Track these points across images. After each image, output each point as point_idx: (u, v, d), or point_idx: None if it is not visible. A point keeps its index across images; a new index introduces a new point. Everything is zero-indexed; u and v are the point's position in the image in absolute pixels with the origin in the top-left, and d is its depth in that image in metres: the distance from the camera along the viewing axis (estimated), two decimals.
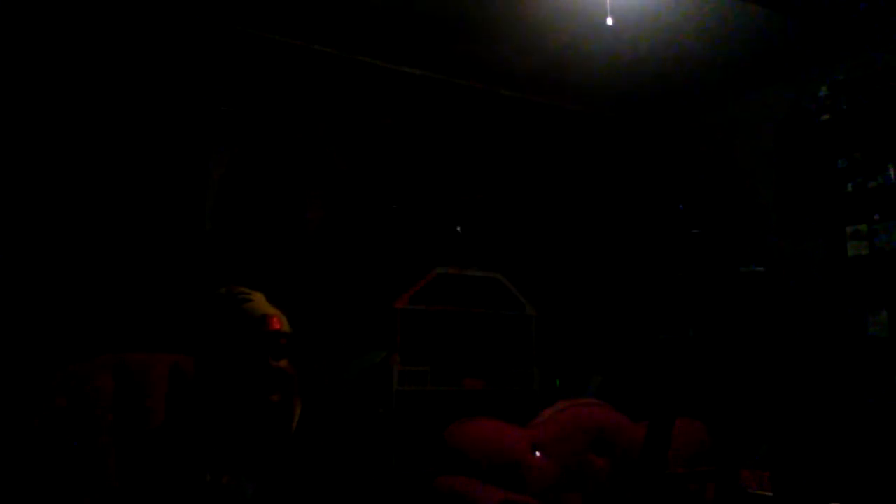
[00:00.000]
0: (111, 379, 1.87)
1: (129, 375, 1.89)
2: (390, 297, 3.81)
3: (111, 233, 3.18)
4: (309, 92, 3.86)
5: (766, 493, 3.15)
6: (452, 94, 4.24)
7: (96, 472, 1.74)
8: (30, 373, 1.86)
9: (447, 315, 3.96)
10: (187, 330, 1.64)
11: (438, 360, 3.88)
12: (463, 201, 4.27)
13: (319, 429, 3.00)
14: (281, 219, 3.72)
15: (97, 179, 3.19)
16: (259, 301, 1.58)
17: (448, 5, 3.34)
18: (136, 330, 3.01)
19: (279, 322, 1.58)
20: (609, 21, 2.85)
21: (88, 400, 1.81)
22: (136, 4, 3.28)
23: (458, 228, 4.19)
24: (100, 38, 3.25)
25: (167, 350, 2.01)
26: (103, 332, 2.95)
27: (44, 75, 3.10)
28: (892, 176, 3.30)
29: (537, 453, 2.80)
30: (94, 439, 1.77)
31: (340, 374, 3.27)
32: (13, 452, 1.70)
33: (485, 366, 4.05)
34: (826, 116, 3.57)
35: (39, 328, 2.87)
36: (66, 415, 1.76)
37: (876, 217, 3.33)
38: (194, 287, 3.21)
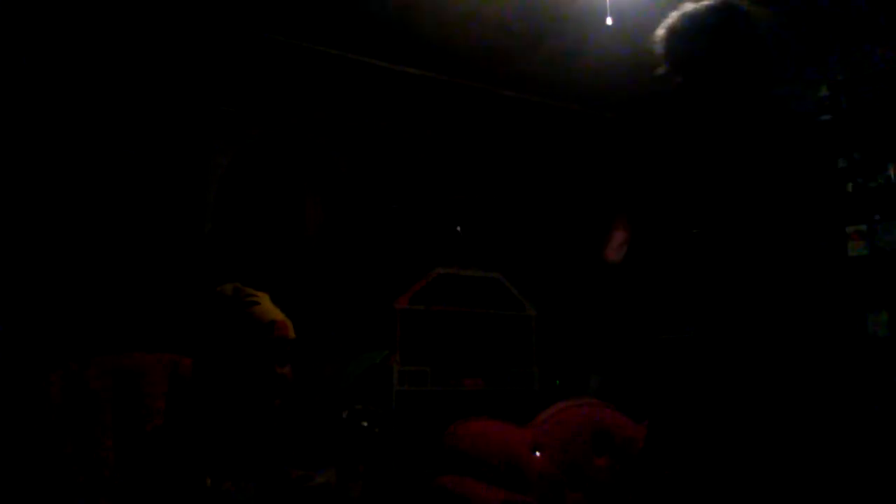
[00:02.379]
0: (111, 379, 1.87)
1: (129, 375, 1.89)
2: (390, 298, 3.81)
3: (111, 233, 3.18)
4: (309, 92, 3.86)
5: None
6: (452, 94, 4.24)
7: (96, 471, 1.74)
8: (29, 373, 1.86)
9: (447, 315, 3.96)
10: (190, 331, 1.64)
11: (438, 360, 3.88)
12: (463, 201, 4.27)
13: (319, 429, 2.99)
14: (281, 219, 3.72)
15: (97, 179, 3.19)
16: (266, 304, 1.58)
17: (448, 5, 3.34)
18: (135, 330, 3.01)
19: (287, 329, 1.58)
20: (609, 21, 2.85)
21: (88, 400, 1.81)
22: (137, 4, 3.28)
23: (458, 228, 4.19)
24: (100, 38, 3.24)
25: (167, 350, 2.01)
26: (103, 332, 2.95)
27: (44, 75, 3.10)
28: (893, 176, 3.30)
29: (537, 453, 2.80)
30: (93, 439, 1.77)
31: (340, 375, 3.27)
32: (13, 453, 1.70)
33: (485, 366, 4.05)
34: (826, 116, 3.57)
35: (39, 328, 2.87)
36: (66, 415, 1.76)
37: (876, 217, 3.32)
38: (194, 288, 3.21)
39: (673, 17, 1.69)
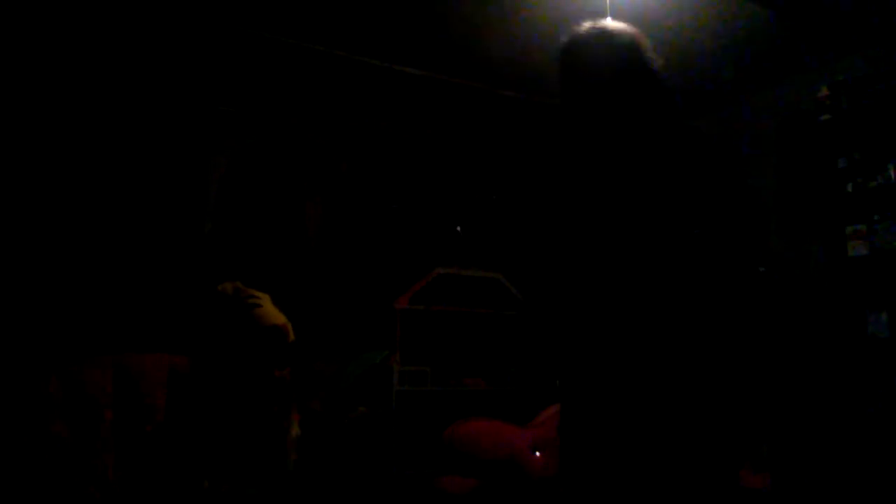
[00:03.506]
0: (111, 379, 1.87)
1: (129, 375, 1.89)
2: (390, 297, 3.81)
3: (111, 233, 3.18)
4: (309, 92, 3.86)
5: (766, 492, 3.14)
6: (452, 94, 4.24)
7: (96, 471, 1.74)
8: (30, 373, 1.86)
9: (447, 315, 3.96)
10: (189, 331, 1.63)
11: (438, 360, 3.88)
12: (463, 201, 4.27)
13: (320, 430, 3.00)
14: (281, 219, 3.72)
15: (97, 180, 3.19)
16: (267, 306, 1.57)
17: (448, 5, 3.34)
18: (135, 330, 3.01)
19: (287, 333, 1.57)
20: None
21: (88, 400, 1.81)
22: (137, 5, 3.28)
23: (458, 228, 4.19)
24: (100, 39, 3.24)
25: (166, 350, 2.01)
26: (103, 333, 2.95)
27: (45, 76, 3.10)
28: (892, 176, 3.30)
29: (537, 453, 2.80)
30: (94, 439, 1.77)
31: (340, 375, 3.27)
32: (13, 453, 1.70)
33: (485, 366, 4.05)
34: (826, 116, 3.57)
35: (40, 328, 2.87)
36: (66, 415, 1.76)
37: (876, 217, 3.32)
38: (194, 288, 3.21)
39: (577, 34, 1.68)
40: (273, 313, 1.58)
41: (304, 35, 3.65)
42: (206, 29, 3.49)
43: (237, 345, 1.51)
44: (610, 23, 1.67)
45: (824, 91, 3.59)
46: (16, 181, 2.99)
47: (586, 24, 1.68)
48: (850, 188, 3.44)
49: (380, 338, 3.70)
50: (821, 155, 3.64)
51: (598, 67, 1.62)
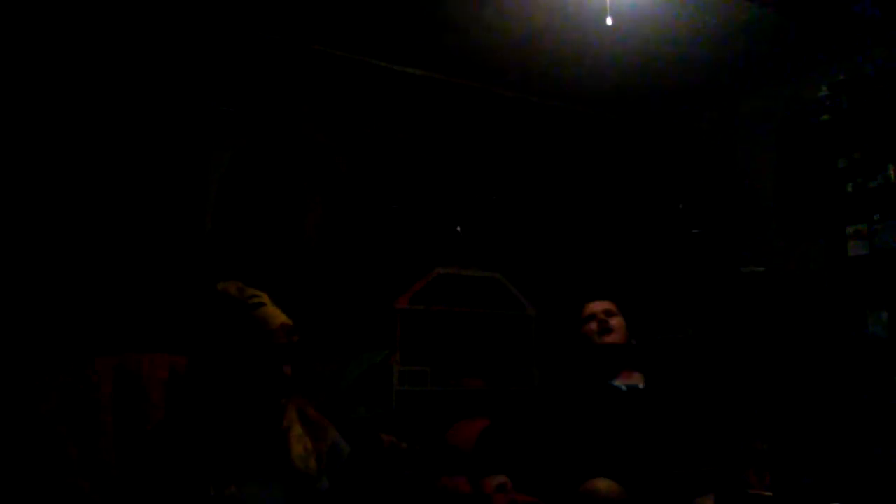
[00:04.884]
0: (112, 380, 1.87)
1: (129, 376, 1.89)
2: (390, 298, 3.81)
3: (111, 232, 3.18)
4: (309, 92, 3.86)
5: (766, 493, 3.14)
6: (452, 94, 4.24)
7: (98, 474, 1.73)
8: (29, 374, 1.86)
9: (447, 315, 3.96)
10: (191, 330, 1.62)
11: (438, 360, 3.88)
12: (463, 201, 4.27)
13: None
14: (281, 219, 3.72)
15: (97, 179, 3.18)
16: (270, 306, 1.57)
17: (448, 5, 3.34)
18: (135, 330, 3.01)
19: (294, 331, 1.57)
20: (609, 21, 2.85)
21: (88, 401, 1.81)
22: (137, 4, 3.28)
23: (458, 228, 4.19)
24: (100, 38, 3.24)
25: (167, 350, 2.00)
26: (103, 332, 2.95)
27: (44, 75, 3.10)
28: (893, 176, 3.30)
29: None
30: (95, 441, 1.76)
31: (340, 375, 3.26)
32: (13, 455, 1.70)
33: (485, 366, 4.05)
34: (826, 116, 3.57)
35: (38, 328, 2.86)
36: (66, 416, 1.76)
37: (876, 217, 3.32)
38: (194, 287, 3.20)
39: None
40: (275, 313, 1.57)
41: (305, 35, 3.65)
42: (207, 29, 3.49)
43: (241, 344, 1.50)
44: None
45: (824, 91, 3.59)
46: (15, 180, 2.99)
47: None
48: (850, 188, 3.44)
49: (380, 338, 3.69)
50: (821, 155, 3.64)
51: None
